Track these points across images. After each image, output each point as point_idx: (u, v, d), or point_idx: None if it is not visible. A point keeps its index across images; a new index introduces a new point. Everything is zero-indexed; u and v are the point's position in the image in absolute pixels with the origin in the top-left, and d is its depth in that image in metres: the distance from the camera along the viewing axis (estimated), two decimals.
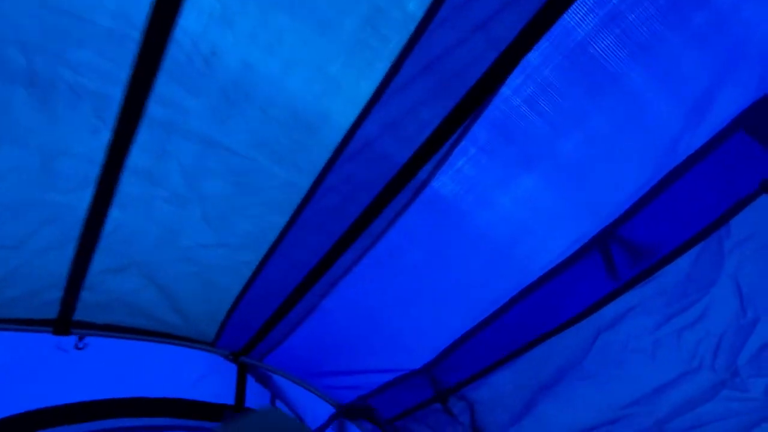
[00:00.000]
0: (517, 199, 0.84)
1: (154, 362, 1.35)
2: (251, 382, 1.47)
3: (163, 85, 0.67)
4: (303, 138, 0.80)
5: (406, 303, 1.06)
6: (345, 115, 0.76)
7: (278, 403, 1.50)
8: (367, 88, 0.72)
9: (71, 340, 1.23)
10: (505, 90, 0.73)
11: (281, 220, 0.96)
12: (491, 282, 0.93)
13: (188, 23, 0.62)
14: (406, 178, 0.84)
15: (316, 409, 1.42)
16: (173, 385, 1.38)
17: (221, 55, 0.66)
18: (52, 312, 1.16)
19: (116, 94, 0.67)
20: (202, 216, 0.93)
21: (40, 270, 1.01)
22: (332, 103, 0.74)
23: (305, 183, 0.89)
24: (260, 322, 1.29)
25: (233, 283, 1.15)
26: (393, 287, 1.04)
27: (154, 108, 0.70)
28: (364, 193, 0.88)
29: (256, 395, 1.47)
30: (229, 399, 1.43)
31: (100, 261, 1.00)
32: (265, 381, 1.50)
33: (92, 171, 0.79)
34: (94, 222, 0.89)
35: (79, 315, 1.18)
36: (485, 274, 0.93)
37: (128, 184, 0.83)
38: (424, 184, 0.85)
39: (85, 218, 0.88)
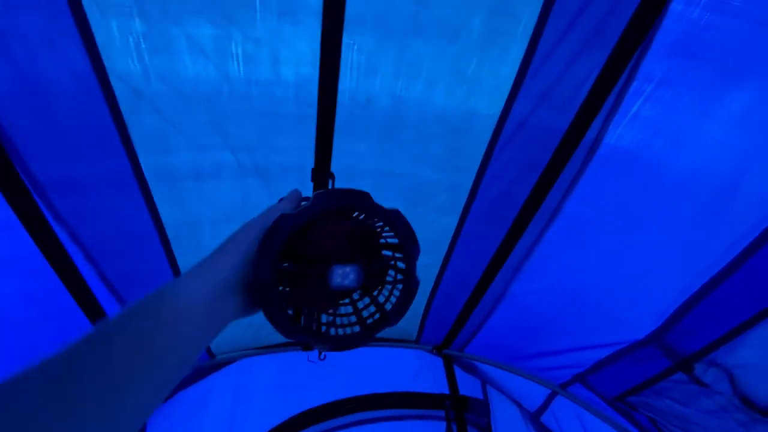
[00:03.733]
0: (727, 123, 0.69)
1: (377, 363, 1.59)
2: (461, 372, 1.58)
3: (339, 142, 0.81)
4: (457, 142, 0.84)
5: (605, 273, 0.97)
6: (492, 106, 0.77)
7: (489, 390, 1.56)
8: (508, 73, 0.72)
9: (314, 354, 1.56)
10: (676, 5, 0.62)
11: (453, 220, 1.02)
12: (716, 229, 0.77)
13: (344, 85, 0.73)
14: (573, 143, 0.78)
15: (532, 392, 1.43)
16: (396, 381, 1.59)
17: (374, 99, 0.76)
18: None
19: (310, 161, 0.84)
20: None
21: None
22: (477, 100, 0.76)
23: (467, 181, 0.92)
24: (454, 316, 1.38)
25: (424, 284, 1.27)
26: (586, 260, 0.97)
27: (336, 161, 0.84)
28: (530, 172, 0.86)
29: (467, 384, 1.57)
30: (445, 389, 1.57)
31: None
32: (471, 370, 1.59)
33: None
34: None
35: None
36: (705, 221, 0.78)
37: None
38: (596, 142, 0.78)
39: None
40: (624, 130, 0.76)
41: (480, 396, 1.55)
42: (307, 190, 0.88)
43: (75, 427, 0.26)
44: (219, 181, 0.85)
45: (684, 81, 0.68)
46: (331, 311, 0.44)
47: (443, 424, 1.53)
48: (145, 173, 0.76)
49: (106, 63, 0.61)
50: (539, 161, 0.84)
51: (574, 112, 0.75)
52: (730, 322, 0.78)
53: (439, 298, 1.32)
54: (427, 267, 1.20)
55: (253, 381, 1.46)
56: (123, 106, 0.66)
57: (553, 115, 0.77)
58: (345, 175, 0.86)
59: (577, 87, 0.72)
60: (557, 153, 0.81)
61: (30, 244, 0.77)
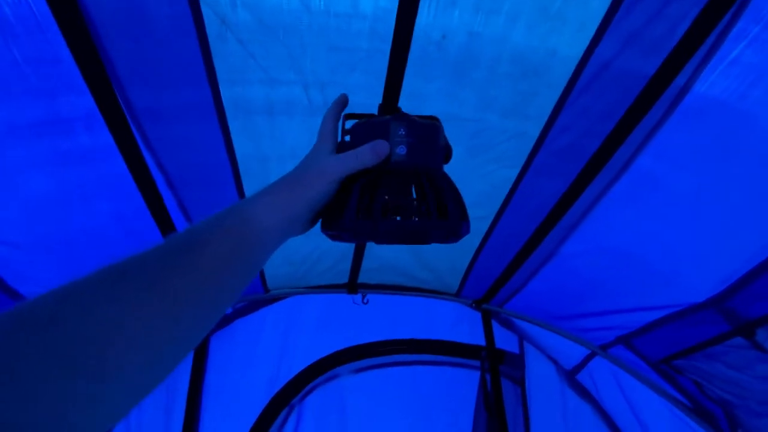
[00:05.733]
0: None
1: (417, 312, 1.65)
2: (498, 327, 1.62)
3: (408, 82, 0.80)
4: (530, 86, 0.81)
5: (667, 235, 0.94)
6: (574, 45, 0.73)
7: (526, 345, 1.60)
8: (598, 7, 0.67)
9: (359, 297, 1.65)
10: None
11: (513, 173, 1.01)
12: None
13: (421, 20, 0.72)
14: (658, 89, 0.74)
15: (569, 351, 1.45)
16: (434, 330, 1.66)
17: (450, 36, 0.74)
18: (344, 278, 1.57)
19: (378, 101, 0.84)
20: None
21: (336, 249, 1.39)
22: (559, 39, 0.73)
23: (534, 131, 0.90)
24: (499, 271, 1.40)
25: (472, 238, 1.28)
26: (648, 220, 0.94)
27: (402, 102, 0.84)
28: (604, 123, 0.83)
29: (504, 338, 1.61)
30: (481, 342, 1.62)
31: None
32: (509, 325, 1.62)
33: None
34: None
35: (362, 278, 1.56)
36: None
37: None
38: (684, 90, 0.73)
39: None
40: (718, 77, 0.70)
41: (516, 351, 1.59)
42: None
43: (168, 314, 0.31)
44: (289, 118, 0.88)
45: None
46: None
47: (477, 374, 1.60)
48: (224, 104, 0.80)
49: None
50: (616, 111, 0.80)
51: (665, 54, 0.70)
52: None
53: (485, 253, 1.33)
54: (479, 220, 1.20)
55: (302, 317, 1.57)
56: (210, 33, 0.69)
57: (640, 59, 0.72)
58: None
59: (673, 25, 0.67)
60: (638, 101, 0.77)
61: (123, 168, 0.84)
